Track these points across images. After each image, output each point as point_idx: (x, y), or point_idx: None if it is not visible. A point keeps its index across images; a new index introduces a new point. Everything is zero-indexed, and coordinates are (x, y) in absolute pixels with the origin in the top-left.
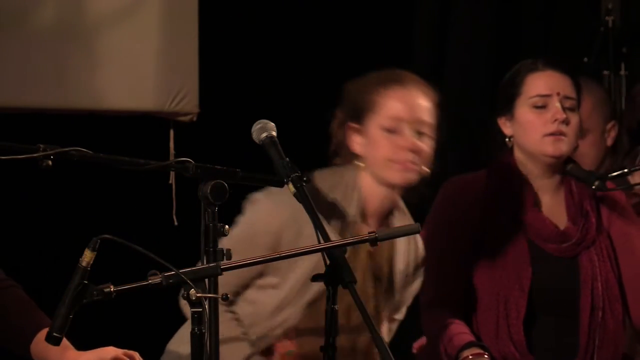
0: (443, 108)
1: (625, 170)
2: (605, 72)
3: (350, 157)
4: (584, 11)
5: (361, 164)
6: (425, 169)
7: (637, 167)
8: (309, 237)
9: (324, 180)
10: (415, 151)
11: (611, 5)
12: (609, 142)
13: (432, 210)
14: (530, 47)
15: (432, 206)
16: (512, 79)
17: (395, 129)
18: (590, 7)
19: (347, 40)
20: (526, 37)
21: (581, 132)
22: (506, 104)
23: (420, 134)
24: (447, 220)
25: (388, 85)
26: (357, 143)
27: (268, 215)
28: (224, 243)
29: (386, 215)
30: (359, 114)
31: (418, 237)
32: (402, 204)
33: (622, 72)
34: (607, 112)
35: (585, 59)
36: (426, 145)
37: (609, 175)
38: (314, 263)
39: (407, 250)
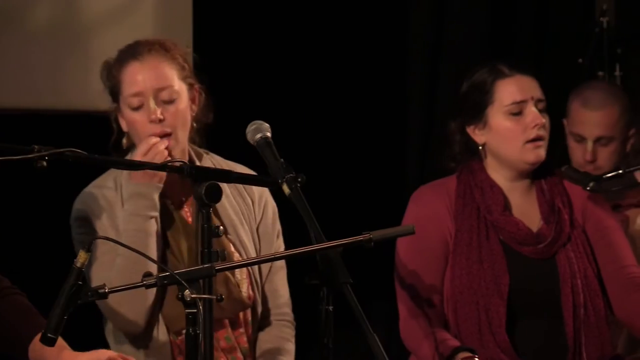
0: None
1: (620, 171)
2: (600, 73)
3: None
4: (578, 12)
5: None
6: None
7: (631, 169)
8: None
9: None
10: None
11: (606, 6)
12: (628, 148)
13: (404, 219)
14: (524, 48)
15: (404, 215)
16: (479, 86)
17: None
18: (584, 8)
19: (340, 42)
20: (520, 38)
21: (606, 139)
22: (476, 113)
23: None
24: (419, 228)
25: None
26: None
27: None
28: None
29: None
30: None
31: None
32: None
33: (617, 73)
34: (630, 118)
35: (580, 60)
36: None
37: (604, 176)
38: None
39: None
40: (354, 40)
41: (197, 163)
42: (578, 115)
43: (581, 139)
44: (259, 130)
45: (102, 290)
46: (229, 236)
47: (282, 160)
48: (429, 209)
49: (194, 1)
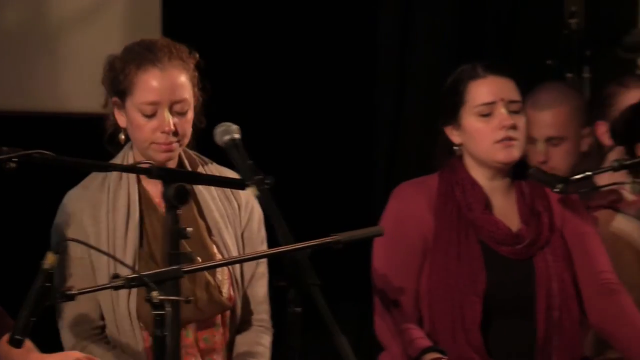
0: (408, 108)
1: (589, 173)
2: (569, 75)
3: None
4: (547, 13)
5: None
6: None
7: (599, 170)
8: None
9: None
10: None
11: (575, 8)
12: (584, 147)
13: (384, 215)
14: (494, 49)
15: (384, 211)
16: (454, 87)
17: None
18: (553, 10)
19: (308, 43)
20: (489, 39)
21: (558, 139)
22: (451, 113)
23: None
24: (399, 224)
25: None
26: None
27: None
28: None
29: None
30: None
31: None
32: None
33: (586, 75)
34: (583, 118)
35: (549, 62)
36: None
37: (572, 178)
38: None
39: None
40: (322, 40)
41: (188, 168)
42: (529, 116)
43: (532, 140)
44: (228, 132)
45: (69, 292)
46: (213, 237)
47: (250, 161)
48: (410, 205)
49: (162, 3)
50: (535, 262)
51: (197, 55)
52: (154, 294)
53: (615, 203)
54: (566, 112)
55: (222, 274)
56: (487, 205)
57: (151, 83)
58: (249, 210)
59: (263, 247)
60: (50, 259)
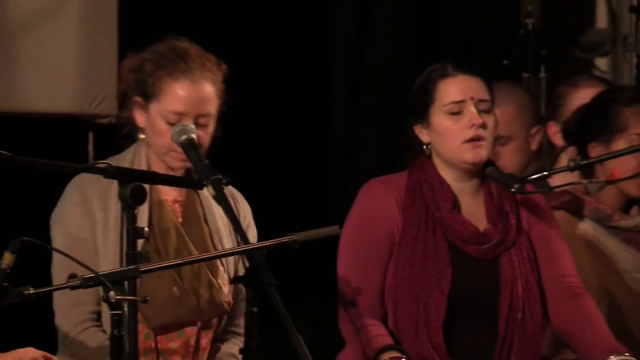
0: (363, 109)
1: (545, 173)
2: (525, 75)
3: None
4: (503, 13)
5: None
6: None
7: (556, 170)
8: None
9: None
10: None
11: (531, 8)
12: (534, 146)
13: (352, 210)
14: (449, 49)
15: (352, 206)
16: (424, 85)
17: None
18: (510, 10)
19: (267, 40)
20: (445, 39)
21: (505, 138)
22: (421, 112)
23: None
24: (366, 220)
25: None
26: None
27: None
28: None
29: None
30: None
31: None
32: None
33: (542, 75)
34: (531, 116)
35: (505, 62)
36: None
37: (528, 178)
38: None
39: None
40: (277, 42)
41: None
42: None
43: None
44: (184, 132)
45: (27, 292)
46: (214, 242)
47: (207, 161)
48: (378, 201)
49: (119, 3)
50: (500, 262)
51: (225, 67)
52: (112, 293)
53: (568, 204)
54: (512, 111)
55: (222, 279)
56: (455, 204)
57: (180, 93)
58: (246, 226)
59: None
60: (7, 259)
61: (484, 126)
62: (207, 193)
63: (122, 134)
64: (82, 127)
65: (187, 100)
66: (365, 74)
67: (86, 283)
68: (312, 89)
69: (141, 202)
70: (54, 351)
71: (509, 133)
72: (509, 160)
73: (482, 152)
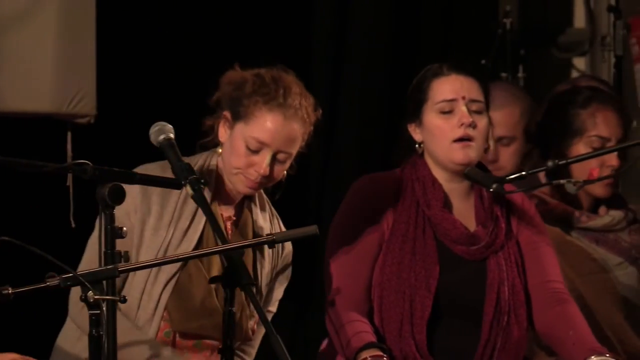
0: (343, 109)
1: (523, 173)
2: (503, 74)
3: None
4: (481, 13)
5: None
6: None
7: (534, 170)
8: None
9: None
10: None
11: (509, 8)
12: (530, 148)
13: (342, 205)
14: (429, 49)
15: (343, 201)
16: (419, 84)
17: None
18: (488, 9)
19: (246, 41)
20: (424, 39)
21: (508, 139)
22: (414, 111)
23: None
24: (357, 215)
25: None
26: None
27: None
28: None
29: None
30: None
31: (288, 243)
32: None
33: (520, 75)
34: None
35: (483, 61)
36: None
37: (507, 178)
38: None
39: (272, 254)
40: (256, 40)
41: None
42: None
43: None
44: (162, 132)
45: (5, 292)
46: (256, 267)
47: (185, 161)
48: (369, 198)
49: (97, 3)
50: (488, 264)
51: (320, 112)
52: (90, 293)
53: (535, 208)
54: (518, 112)
55: (251, 309)
56: (446, 204)
57: (269, 125)
58: (286, 261)
59: (272, 306)
60: None
61: (473, 126)
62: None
63: (199, 142)
64: (61, 127)
65: (274, 133)
66: (345, 73)
67: (64, 283)
68: None
69: (119, 201)
70: (41, 356)
71: (513, 134)
72: (509, 160)
73: (470, 153)
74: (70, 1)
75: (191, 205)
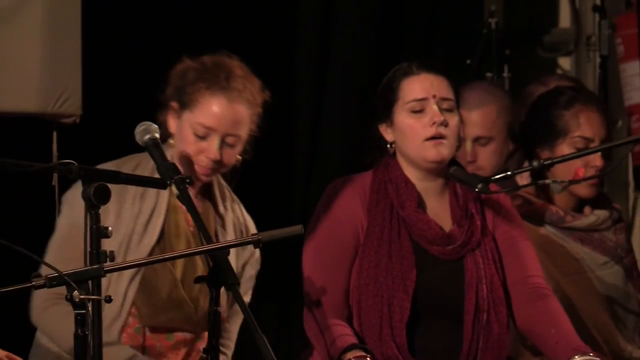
0: (327, 108)
1: (508, 172)
2: (489, 74)
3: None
4: (466, 13)
5: None
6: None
7: (520, 170)
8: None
9: None
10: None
11: (494, 7)
12: (510, 147)
13: (316, 209)
14: (413, 49)
15: (317, 205)
16: (389, 84)
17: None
18: (473, 9)
19: (231, 40)
20: (408, 39)
21: (485, 139)
22: (385, 111)
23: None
24: (331, 219)
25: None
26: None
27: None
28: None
29: None
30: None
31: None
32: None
33: (505, 74)
34: (510, 118)
35: (468, 61)
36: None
37: (492, 177)
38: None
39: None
40: (241, 39)
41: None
42: None
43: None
44: (148, 132)
45: None
46: None
47: (170, 161)
48: (343, 201)
49: (82, 2)
50: (465, 263)
51: (269, 93)
52: (75, 293)
53: (519, 208)
54: (494, 112)
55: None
56: (420, 204)
57: (214, 109)
58: (254, 254)
59: (246, 296)
60: None
61: (445, 124)
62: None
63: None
64: (46, 127)
65: (219, 117)
66: (330, 73)
67: (50, 282)
68: (276, 88)
69: (105, 201)
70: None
71: (490, 134)
72: (488, 160)
73: (443, 151)
74: (55, 0)
75: (149, 200)
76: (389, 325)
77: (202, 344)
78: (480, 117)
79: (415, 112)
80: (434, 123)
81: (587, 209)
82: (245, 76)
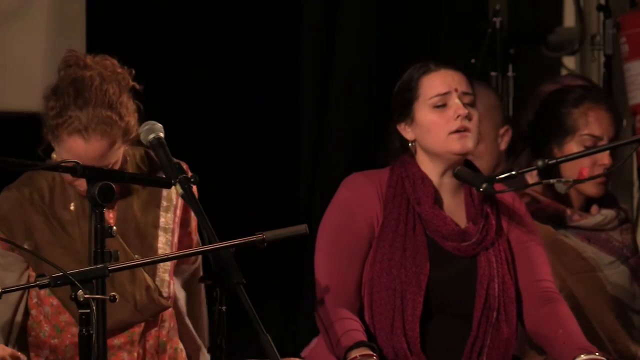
0: (332, 108)
1: (513, 172)
2: (493, 74)
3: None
4: (471, 12)
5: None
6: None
7: (524, 170)
8: None
9: None
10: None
11: (499, 6)
12: (503, 147)
13: (332, 201)
14: (417, 48)
15: (333, 198)
16: (407, 84)
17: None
18: (477, 8)
19: (235, 40)
20: (413, 38)
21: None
22: (404, 110)
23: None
24: (347, 211)
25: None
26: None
27: None
28: None
29: None
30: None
31: None
32: None
33: (510, 74)
34: (499, 117)
35: (473, 60)
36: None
37: (497, 177)
38: None
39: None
40: (246, 42)
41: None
42: None
43: None
44: (152, 131)
45: None
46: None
47: (175, 160)
48: (360, 193)
49: (87, 2)
50: (478, 261)
51: (131, 70)
52: (80, 292)
53: (527, 206)
54: (481, 109)
55: (162, 276)
56: (436, 201)
57: (75, 151)
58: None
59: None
60: None
61: (469, 117)
62: (174, 190)
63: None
64: None
65: (83, 158)
66: (334, 74)
67: (55, 282)
68: (281, 91)
69: (109, 200)
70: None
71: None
72: (478, 161)
73: (468, 142)
74: (60, 1)
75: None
76: (401, 319)
77: (158, 330)
78: None
79: (437, 107)
80: (458, 116)
81: (594, 208)
82: (101, 80)
